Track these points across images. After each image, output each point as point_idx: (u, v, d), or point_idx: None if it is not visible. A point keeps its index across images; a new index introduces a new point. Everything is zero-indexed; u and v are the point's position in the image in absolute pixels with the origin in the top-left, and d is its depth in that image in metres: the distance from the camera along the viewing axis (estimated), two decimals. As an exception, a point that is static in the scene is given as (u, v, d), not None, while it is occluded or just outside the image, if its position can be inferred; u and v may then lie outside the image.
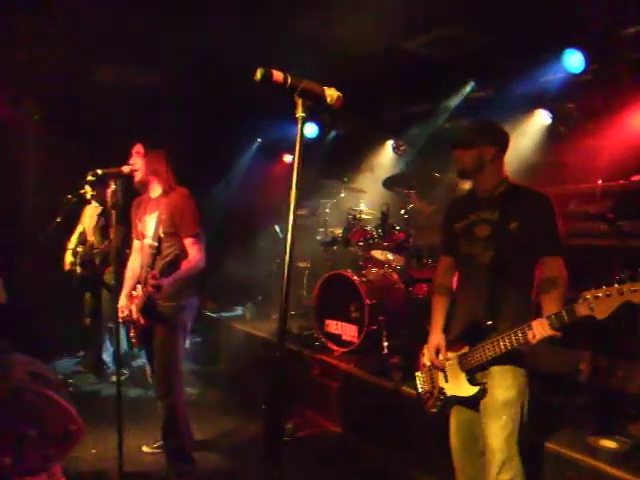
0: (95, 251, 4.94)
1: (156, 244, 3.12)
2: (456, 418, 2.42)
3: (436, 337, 2.44)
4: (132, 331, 3.22)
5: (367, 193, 5.75)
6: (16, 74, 4.64)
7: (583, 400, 3.07)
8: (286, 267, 1.23)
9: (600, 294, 1.83)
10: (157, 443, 3.55)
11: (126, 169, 3.11)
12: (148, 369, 3.36)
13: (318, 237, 5.64)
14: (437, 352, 2.40)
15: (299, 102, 1.29)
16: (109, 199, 3.11)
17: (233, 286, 6.35)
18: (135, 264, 3.35)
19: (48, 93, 5.01)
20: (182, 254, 3.13)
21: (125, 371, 5.01)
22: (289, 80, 1.27)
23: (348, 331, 4.49)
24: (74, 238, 5.11)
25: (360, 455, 3.66)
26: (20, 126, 5.64)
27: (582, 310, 1.84)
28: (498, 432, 2.18)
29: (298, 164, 1.27)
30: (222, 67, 4.82)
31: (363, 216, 5.24)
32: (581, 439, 2.70)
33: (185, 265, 3.09)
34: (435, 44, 4.63)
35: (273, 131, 6.99)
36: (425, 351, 2.50)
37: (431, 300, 2.59)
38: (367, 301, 4.31)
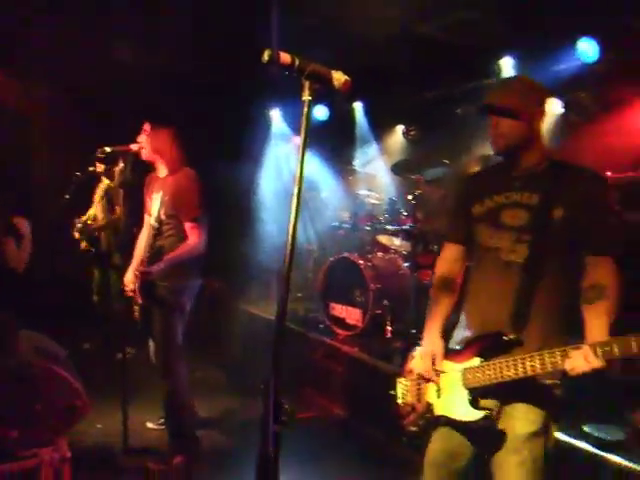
0: (95, 226, 4.98)
1: (157, 225, 3.15)
2: (441, 444, 1.92)
3: (433, 343, 1.95)
4: (134, 308, 3.26)
5: (377, 178, 5.73)
6: (31, 53, 4.64)
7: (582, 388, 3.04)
8: (288, 252, 1.23)
9: None
10: (161, 419, 3.61)
11: (134, 147, 3.12)
12: (151, 346, 3.40)
13: (326, 220, 5.64)
14: (433, 362, 1.92)
15: (306, 85, 1.28)
16: (116, 177, 3.14)
17: (242, 267, 6.38)
18: (143, 240, 3.38)
19: (62, 72, 5.01)
20: (182, 237, 3.13)
21: (132, 350, 5.06)
22: (296, 63, 1.26)
23: (352, 315, 4.52)
24: (88, 213, 5.15)
25: (362, 438, 3.70)
26: (34, 104, 5.66)
27: None
28: (516, 468, 1.74)
29: (304, 148, 1.27)
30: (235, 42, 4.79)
31: (371, 201, 5.23)
32: (578, 426, 2.69)
33: (180, 249, 3.09)
34: (451, 28, 4.57)
35: (288, 114, 6.96)
36: (416, 356, 1.99)
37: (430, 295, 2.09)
38: (372, 286, 4.33)
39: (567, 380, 1.70)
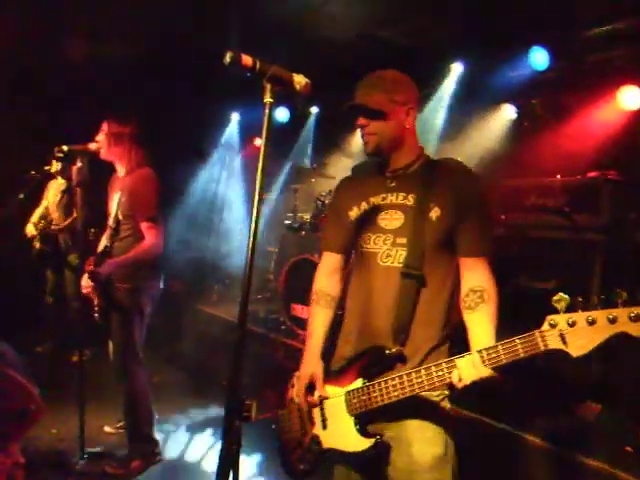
0: (55, 227, 4.85)
1: (114, 225, 3.11)
2: None
3: (311, 365, 1.76)
4: (93, 308, 3.20)
5: (336, 179, 5.78)
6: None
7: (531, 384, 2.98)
8: (249, 252, 1.25)
9: (578, 320, 1.29)
10: (120, 423, 3.56)
11: (93, 146, 3.07)
12: (111, 346, 3.34)
13: (287, 222, 5.66)
14: (311, 386, 1.73)
15: (267, 87, 1.30)
16: (74, 176, 3.08)
17: (202, 267, 6.34)
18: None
19: (15, 63, 4.86)
20: (139, 238, 3.09)
21: (88, 351, 4.95)
22: (258, 65, 1.28)
23: (314, 315, 4.54)
24: (37, 212, 5.00)
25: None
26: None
27: (551, 341, 1.32)
28: None
29: (265, 150, 1.29)
30: (195, 40, 4.77)
31: (332, 202, 5.27)
32: (534, 424, 2.74)
33: (135, 250, 3.05)
34: (407, 33, 4.67)
35: (249, 112, 6.93)
36: (295, 382, 1.83)
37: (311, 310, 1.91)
38: (333, 286, 4.36)
39: (455, 392, 1.57)
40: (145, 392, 3.25)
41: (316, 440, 1.70)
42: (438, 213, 1.66)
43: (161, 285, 3.30)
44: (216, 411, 4.06)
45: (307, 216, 5.33)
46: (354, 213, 1.81)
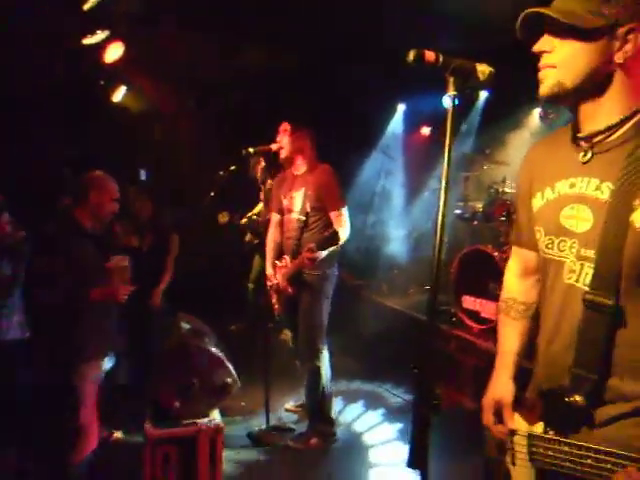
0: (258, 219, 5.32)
1: (304, 218, 3.33)
2: None
3: (498, 388, 1.41)
4: (276, 299, 3.48)
5: (511, 166, 5.45)
6: (172, 63, 5.15)
7: None
8: (437, 244, 1.25)
9: None
10: (299, 402, 3.82)
11: (274, 147, 3.33)
12: (289, 335, 3.61)
13: (457, 211, 5.52)
14: (497, 412, 1.39)
15: (450, 80, 1.28)
16: (259, 175, 3.37)
17: (371, 257, 6.49)
18: (276, 236, 3.59)
19: (202, 79, 5.48)
20: (329, 227, 3.28)
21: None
22: (441, 59, 1.27)
23: (487, 308, 4.37)
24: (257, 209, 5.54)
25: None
26: (179, 112, 6.28)
27: None
28: None
29: (450, 145, 1.28)
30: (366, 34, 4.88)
31: (506, 189, 5.00)
32: None
33: (335, 239, 3.19)
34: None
35: (415, 99, 6.91)
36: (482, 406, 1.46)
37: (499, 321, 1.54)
38: (509, 278, 4.14)
39: None
40: (328, 373, 3.44)
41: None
42: None
43: (337, 271, 3.48)
44: (387, 395, 4.23)
45: (479, 205, 5.14)
46: (537, 202, 1.32)
